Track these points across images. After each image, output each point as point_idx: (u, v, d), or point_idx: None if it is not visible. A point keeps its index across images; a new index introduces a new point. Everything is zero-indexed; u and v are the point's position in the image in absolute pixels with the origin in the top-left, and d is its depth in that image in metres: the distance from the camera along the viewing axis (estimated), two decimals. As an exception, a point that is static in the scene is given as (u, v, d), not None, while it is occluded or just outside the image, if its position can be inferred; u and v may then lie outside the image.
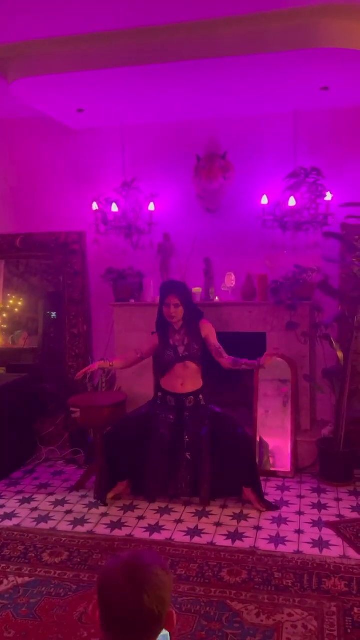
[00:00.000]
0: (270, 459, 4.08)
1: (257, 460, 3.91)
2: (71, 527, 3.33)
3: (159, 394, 3.74)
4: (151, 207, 4.34)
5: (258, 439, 4.10)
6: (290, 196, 3.98)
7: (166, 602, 1.22)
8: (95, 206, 4.35)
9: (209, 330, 3.70)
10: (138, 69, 3.35)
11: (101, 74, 3.40)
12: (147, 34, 3.16)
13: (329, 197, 4.00)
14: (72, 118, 4.33)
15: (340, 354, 3.82)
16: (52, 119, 4.37)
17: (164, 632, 1.27)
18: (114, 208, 4.31)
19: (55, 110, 4.18)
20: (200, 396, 3.67)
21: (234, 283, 4.28)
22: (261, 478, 3.67)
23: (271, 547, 3.03)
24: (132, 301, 4.48)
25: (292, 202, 3.96)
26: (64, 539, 3.16)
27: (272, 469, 4.04)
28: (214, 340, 3.69)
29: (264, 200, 4.08)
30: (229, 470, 3.54)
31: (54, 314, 4.84)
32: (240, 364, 3.60)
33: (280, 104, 4.10)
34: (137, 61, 3.27)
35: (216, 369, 3.74)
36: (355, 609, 2.44)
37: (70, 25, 3.11)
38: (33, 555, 3.00)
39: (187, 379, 3.66)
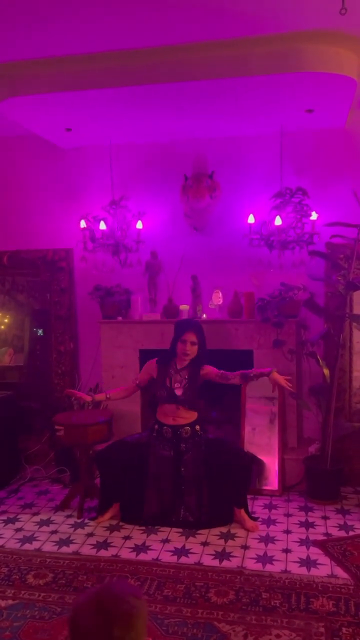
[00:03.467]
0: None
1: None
2: (56, 547, 3.28)
3: (155, 425, 3.67)
4: (139, 225, 4.37)
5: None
6: (276, 215, 4.04)
7: (139, 631, 1.18)
8: (83, 224, 4.37)
9: (208, 370, 3.63)
10: (126, 90, 3.40)
11: (90, 94, 3.44)
12: (134, 56, 3.21)
13: (314, 216, 4.07)
14: (61, 137, 4.36)
15: (326, 372, 3.85)
16: (41, 138, 4.40)
17: None
18: (102, 226, 4.34)
19: (44, 129, 4.21)
20: (197, 427, 3.63)
21: (221, 300, 4.30)
22: (248, 496, 3.65)
23: (259, 566, 3.00)
24: (120, 319, 4.47)
25: (278, 221, 4.02)
26: (48, 560, 3.11)
27: (259, 487, 4.02)
28: (213, 372, 3.61)
29: (251, 219, 4.13)
30: (224, 497, 3.50)
31: (40, 331, 4.81)
32: (250, 376, 3.57)
33: (267, 125, 4.17)
34: (125, 82, 3.32)
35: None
36: (344, 629, 2.42)
37: (59, 46, 3.15)
38: (17, 577, 2.94)
39: (179, 415, 3.61)
